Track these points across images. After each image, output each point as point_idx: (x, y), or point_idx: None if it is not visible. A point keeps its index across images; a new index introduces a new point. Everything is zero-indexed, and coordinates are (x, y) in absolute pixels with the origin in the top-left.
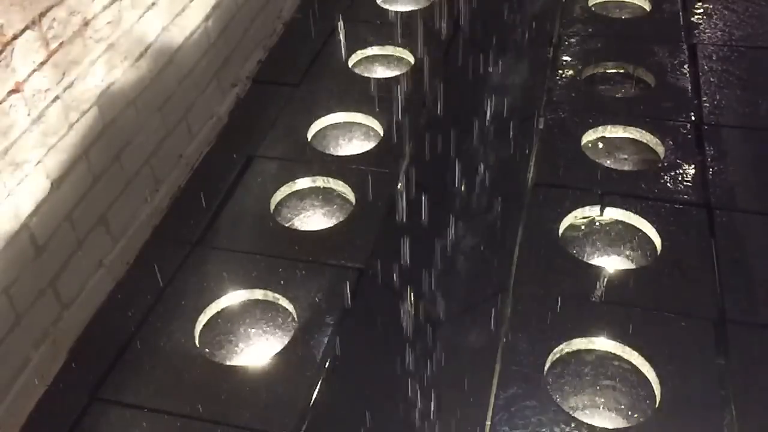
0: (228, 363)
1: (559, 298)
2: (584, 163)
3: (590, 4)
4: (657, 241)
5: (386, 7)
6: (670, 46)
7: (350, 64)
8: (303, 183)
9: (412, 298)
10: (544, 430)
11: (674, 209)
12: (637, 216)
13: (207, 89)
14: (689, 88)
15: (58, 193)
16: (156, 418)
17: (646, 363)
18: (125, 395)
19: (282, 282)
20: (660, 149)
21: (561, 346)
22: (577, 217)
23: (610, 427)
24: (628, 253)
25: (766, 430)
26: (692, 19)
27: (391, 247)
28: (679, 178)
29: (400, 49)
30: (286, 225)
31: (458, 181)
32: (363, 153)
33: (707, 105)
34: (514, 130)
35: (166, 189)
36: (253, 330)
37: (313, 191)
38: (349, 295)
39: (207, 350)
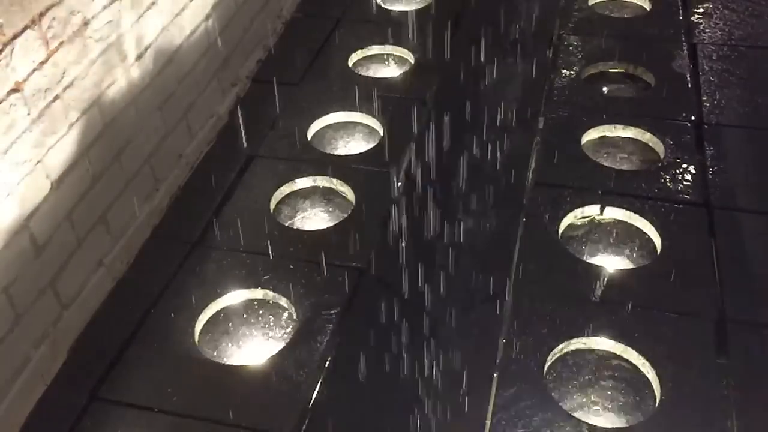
0: (228, 363)
1: (559, 298)
2: (584, 163)
3: (590, 3)
4: (657, 240)
5: (386, 6)
6: (670, 46)
7: (350, 63)
8: (303, 183)
9: (412, 298)
10: (544, 430)
11: (674, 209)
12: (637, 216)
13: (207, 89)
14: (689, 88)
15: (58, 193)
16: (156, 418)
17: (646, 363)
18: (125, 395)
19: (282, 282)
20: (660, 149)
21: (561, 346)
22: (577, 217)
23: (610, 426)
24: (628, 253)
25: (766, 430)
26: (692, 18)
27: (391, 247)
28: (679, 178)
29: (400, 48)
30: (286, 225)
31: (458, 181)
32: (363, 153)
33: (707, 105)
34: (514, 130)
35: (166, 189)
36: (253, 330)
37: (313, 191)
38: (349, 295)
39: (207, 350)
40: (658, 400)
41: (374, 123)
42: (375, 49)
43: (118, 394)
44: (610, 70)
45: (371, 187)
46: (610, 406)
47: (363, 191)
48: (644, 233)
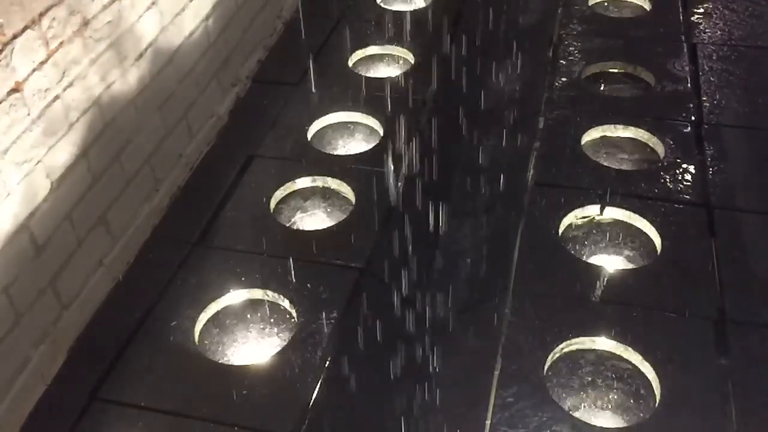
0: (228, 363)
1: (559, 298)
2: (584, 162)
3: (590, 3)
4: (657, 240)
5: (386, 6)
6: (670, 46)
7: (350, 63)
8: (303, 183)
9: (412, 298)
10: (544, 430)
11: (674, 209)
12: (637, 216)
13: (207, 89)
14: (689, 87)
15: (58, 193)
16: (156, 418)
17: (646, 363)
18: (125, 395)
19: (282, 282)
20: (660, 149)
21: (561, 346)
22: (577, 216)
23: (610, 427)
24: (628, 252)
25: (766, 430)
26: (692, 18)
27: (391, 246)
28: (679, 178)
29: (400, 48)
30: (286, 225)
31: (458, 181)
32: (363, 153)
33: (707, 105)
34: (515, 130)
35: (166, 189)
36: (253, 330)
37: (313, 191)
38: (349, 295)
39: (207, 350)
40: (658, 400)
41: (374, 123)
42: (375, 49)
43: (118, 394)
44: (610, 70)
45: (371, 187)
46: (610, 406)
47: (363, 191)
48: (644, 233)
